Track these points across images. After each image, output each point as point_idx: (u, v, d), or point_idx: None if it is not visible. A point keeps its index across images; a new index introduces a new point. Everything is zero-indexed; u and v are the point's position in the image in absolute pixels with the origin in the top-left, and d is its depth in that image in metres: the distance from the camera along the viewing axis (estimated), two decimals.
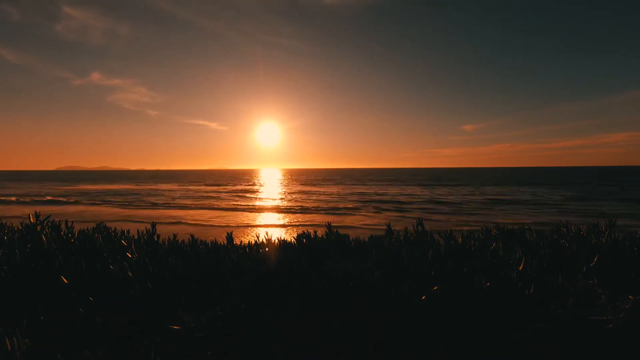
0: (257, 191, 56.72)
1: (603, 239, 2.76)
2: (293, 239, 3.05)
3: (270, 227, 23.38)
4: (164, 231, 2.95)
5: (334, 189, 58.79)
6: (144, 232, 3.08)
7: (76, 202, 39.11)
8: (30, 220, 2.83)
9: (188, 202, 39.27)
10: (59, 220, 3.10)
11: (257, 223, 25.17)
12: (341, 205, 35.24)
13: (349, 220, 25.79)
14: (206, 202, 39.50)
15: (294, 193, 51.46)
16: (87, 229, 3.25)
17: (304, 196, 46.05)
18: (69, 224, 3.03)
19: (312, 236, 3.05)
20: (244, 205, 36.36)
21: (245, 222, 25.52)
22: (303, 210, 32.01)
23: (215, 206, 35.26)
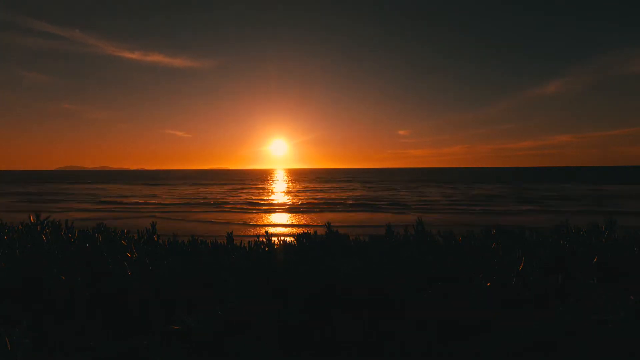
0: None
1: (603, 239, 2.76)
2: (293, 239, 3.05)
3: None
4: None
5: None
6: (144, 232, 3.08)
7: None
8: (30, 220, 2.84)
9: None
10: (59, 220, 3.10)
11: None
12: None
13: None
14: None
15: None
16: (88, 228, 3.25)
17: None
18: (69, 224, 3.04)
19: (312, 236, 3.05)
20: None
21: None
22: None
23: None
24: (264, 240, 2.94)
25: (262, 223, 24.43)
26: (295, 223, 24.63)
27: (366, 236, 3.14)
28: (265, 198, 43.53)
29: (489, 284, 2.03)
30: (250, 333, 1.77)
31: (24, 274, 2.14)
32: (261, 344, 1.71)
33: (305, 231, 3.10)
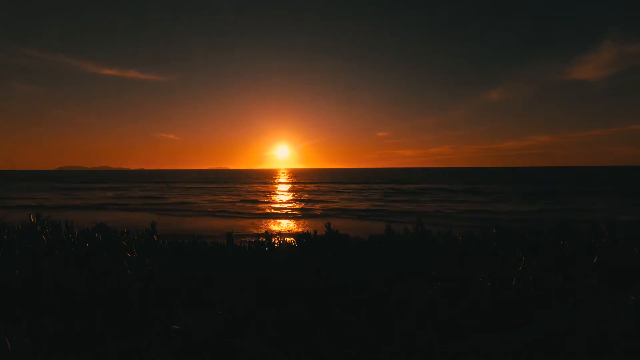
0: None
1: (603, 239, 2.76)
2: (293, 239, 3.05)
3: None
4: None
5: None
6: (144, 232, 3.08)
7: None
8: (30, 220, 2.84)
9: None
10: (59, 220, 3.10)
11: None
12: None
13: None
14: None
15: None
16: (88, 228, 3.25)
17: None
18: (69, 224, 3.04)
19: (312, 236, 3.05)
20: None
21: None
22: None
23: None
24: (264, 240, 2.94)
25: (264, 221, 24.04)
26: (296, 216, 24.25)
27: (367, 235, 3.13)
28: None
29: (489, 284, 2.02)
30: (251, 332, 1.77)
31: (23, 274, 2.14)
32: (261, 343, 1.71)
33: (306, 230, 3.10)
